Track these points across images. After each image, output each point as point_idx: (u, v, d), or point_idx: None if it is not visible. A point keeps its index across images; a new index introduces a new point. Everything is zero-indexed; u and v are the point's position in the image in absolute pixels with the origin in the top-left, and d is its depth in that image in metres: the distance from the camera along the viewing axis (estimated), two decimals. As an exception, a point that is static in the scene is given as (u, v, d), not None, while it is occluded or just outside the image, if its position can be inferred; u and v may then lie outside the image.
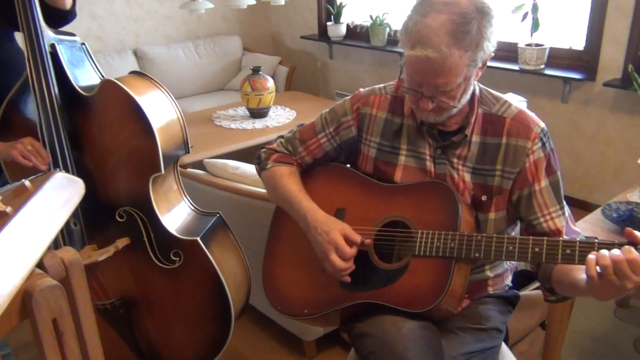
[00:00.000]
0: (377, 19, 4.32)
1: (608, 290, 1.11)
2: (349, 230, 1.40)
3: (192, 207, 1.88)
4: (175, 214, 1.80)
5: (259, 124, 3.48)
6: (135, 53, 4.55)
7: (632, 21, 3.06)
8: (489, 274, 1.48)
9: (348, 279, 1.39)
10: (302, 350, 2.29)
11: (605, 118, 3.33)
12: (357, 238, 1.40)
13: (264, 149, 1.65)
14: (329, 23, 4.73)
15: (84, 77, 1.69)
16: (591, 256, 1.11)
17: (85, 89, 1.65)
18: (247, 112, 3.62)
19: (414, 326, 1.27)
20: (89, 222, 1.73)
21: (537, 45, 3.41)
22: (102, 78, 1.72)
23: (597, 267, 1.09)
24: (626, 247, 1.09)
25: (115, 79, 1.64)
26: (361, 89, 1.55)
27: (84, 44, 1.74)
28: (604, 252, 1.09)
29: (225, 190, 2.15)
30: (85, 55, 1.73)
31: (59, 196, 0.88)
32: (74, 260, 0.82)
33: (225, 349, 1.82)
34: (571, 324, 2.17)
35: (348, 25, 4.72)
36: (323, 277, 1.46)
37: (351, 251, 1.37)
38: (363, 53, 4.69)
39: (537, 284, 1.92)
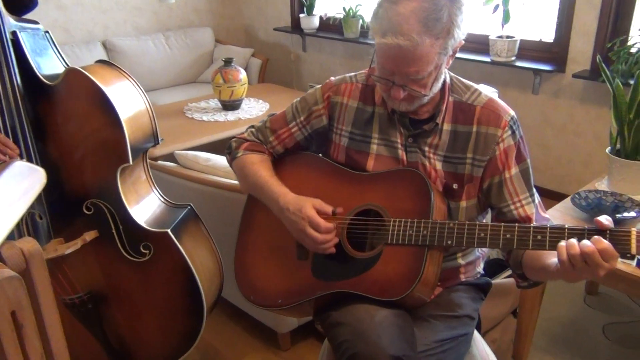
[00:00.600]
0: (350, 11, 4.31)
1: (580, 275, 1.13)
2: (319, 203, 1.40)
3: (163, 199, 1.85)
4: (145, 206, 1.76)
5: (231, 116, 3.45)
6: (104, 45, 4.45)
7: (600, 13, 3.11)
8: (461, 261, 1.48)
9: (333, 250, 1.38)
10: (276, 343, 2.28)
11: (575, 109, 3.38)
12: (328, 209, 1.39)
13: (234, 139, 1.63)
14: (301, 15, 4.70)
15: (47, 65, 1.65)
16: (562, 243, 1.12)
17: (49, 77, 1.61)
18: (219, 105, 3.58)
19: (387, 314, 1.27)
20: (55, 215, 1.68)
21: (507, 37, 3.44)
22: (66, 67, 1.67)
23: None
24: (595, 237, 1.10)
25: (81, 67, 1.60)
26: (332, 78, 1.54)
27: (47, 32, 1.69)
28: (573, 241, 1.11)
29: (197, 182, 2.12)
30: (49, 43, 1.68)
31: (19, 185, 0.85)
32: (34, 251, 0.79)
33: (198, 343, 1.79)
34: (542, 311, 2.20)
35: (321, 17, 4.69)
36: (295, 266, 1.45)
37: (325, 224, 1.36)
38: (336, 45, 4.67)
39: (509, 272, 1.95)
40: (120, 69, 1.71)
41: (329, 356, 1.52)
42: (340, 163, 1.50)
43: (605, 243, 1.08)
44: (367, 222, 1.39)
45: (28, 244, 0.80)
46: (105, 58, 4.35)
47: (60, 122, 1.63)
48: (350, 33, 4.35)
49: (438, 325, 1.37)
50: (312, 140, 1.56)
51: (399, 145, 1.42)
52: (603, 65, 2.23)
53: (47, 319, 0.83)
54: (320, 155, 1.57)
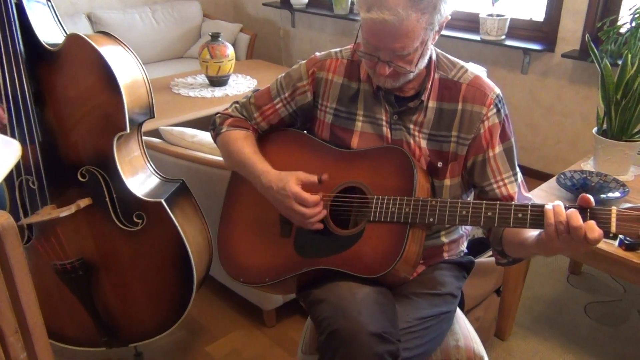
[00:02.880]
0: (340, -13, 4.25)
1: (561, 247, 1.12)
2: (303, 175, 1.38)
3: (156, 173, 1.84)
4: (139, 177, 1.76)
5: (218, 92, 3.41)
6: (89, 17, 4.37)
7: (591, -8, 3.09)
8: (445, 239, 1.48)
9: (320, 225, 1.37)
10: (261, 320, 2.29)
11: (563, 89, 3.37)
12: (314, 178, 1.37)
13: (218, 114, 1.61)
14: (291, -10, 4.64)
15: (48, 33, 1.63)
16: (549, 206, 1.12)
17: (49, 45, 1.60)
18: (207, 80, 3.54)
19: (369, 291, 1.27)
20: (49, 181, 1.68)
21: (498, 15, 3.42)
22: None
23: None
24: (590, 221, 1.08)
25: (82, 34, 1.59)
26: (317, 53, 1.52)
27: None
28: (561, 207, 1.10)
29: (183, 159, 2.10)
30: (51, 11, 1.68)
31: (-8, 158, 0.83)
32: (8, 225, 0.77)
33: (184, 319, 1.79)
34: (525, 290, 2.22)
35: (311, -7, 4.64)
36: (279, 243, 1.44)
37: (312, 197, 1.35)
38: (326, 21, 4.62)
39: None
40: (121, 41, 1.72)
41: (312, 333, 1.53)
42: (324, 140, 1.48)
43: (595, 227, 1.07)
44: (350, 199, 1.39)
45: (1, 217, 0.78)
46: (90, 32, 4.27)
47: (60, 87, 1.62)
48: (340, 9, 4.30)
49: (420, 302, 1.37)
50: (297, 116, 1.54)
51: (384, 123, 1.41)
52: (592, 44, 2.22)
53: (22, 293, 0.82)
54: (305, 132, 1.55)
